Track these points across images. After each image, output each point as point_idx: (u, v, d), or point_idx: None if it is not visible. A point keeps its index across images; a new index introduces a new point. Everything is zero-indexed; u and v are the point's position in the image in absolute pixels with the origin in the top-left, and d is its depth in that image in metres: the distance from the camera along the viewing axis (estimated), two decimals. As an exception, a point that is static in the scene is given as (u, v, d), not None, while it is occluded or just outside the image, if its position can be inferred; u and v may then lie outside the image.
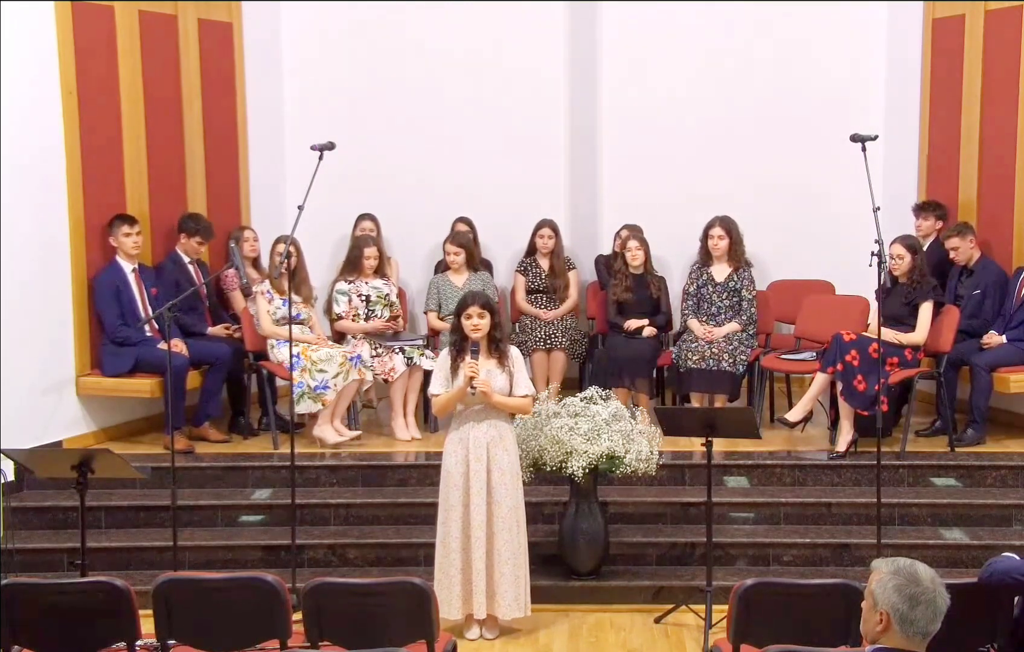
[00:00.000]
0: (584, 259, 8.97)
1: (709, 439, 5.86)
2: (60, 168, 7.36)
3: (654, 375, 8.09)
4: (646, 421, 6.45)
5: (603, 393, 6.40)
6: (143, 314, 7.44)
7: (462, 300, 5.94)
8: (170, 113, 8.12)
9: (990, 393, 7.33)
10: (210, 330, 7.89)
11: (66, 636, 4.52)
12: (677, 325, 8.37)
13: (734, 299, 7.99)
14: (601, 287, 8.70)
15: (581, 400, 6.33)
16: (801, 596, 4.57)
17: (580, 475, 6.09)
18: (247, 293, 7.95)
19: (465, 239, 8.33)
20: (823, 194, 8.77)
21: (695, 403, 7.77)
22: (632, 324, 8.00)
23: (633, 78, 8.98)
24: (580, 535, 6.38)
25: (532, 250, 8.65)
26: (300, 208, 6.15)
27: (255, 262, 8.26)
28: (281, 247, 7.29)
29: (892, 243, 7.30)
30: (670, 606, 6.17)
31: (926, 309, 7.28)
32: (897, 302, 7.31)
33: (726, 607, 4.59)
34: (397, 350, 7.68)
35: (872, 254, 5.96)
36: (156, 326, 7.36)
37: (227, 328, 7.94)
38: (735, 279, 8.00)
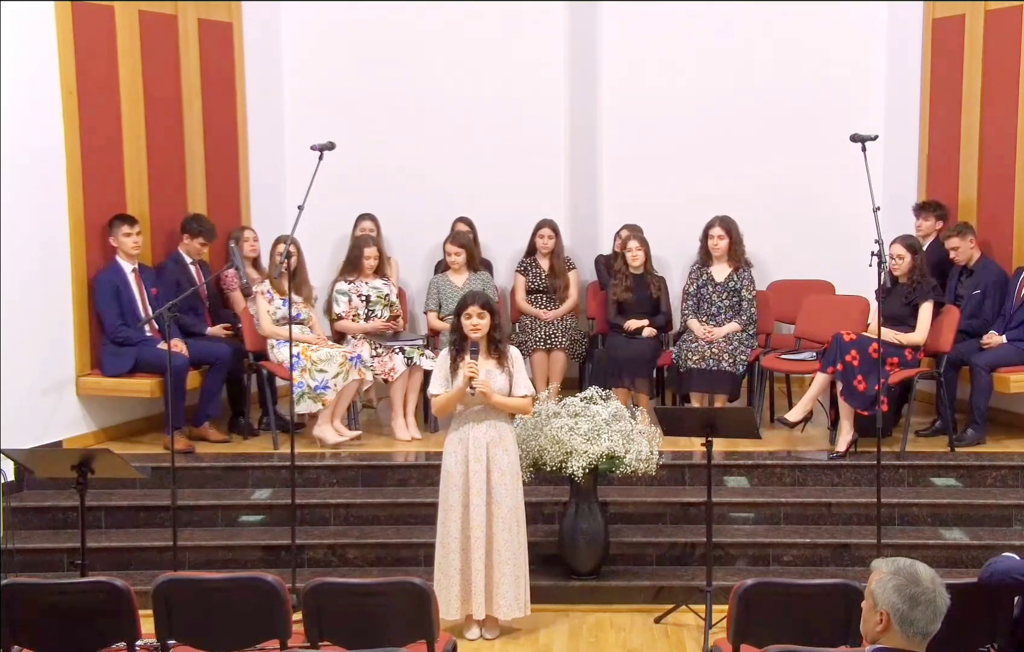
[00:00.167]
0: (584, 259, 8.97)
1: (709, 439, 5.86)
2: (60, 168, 7.36)
3: (654, 375, 8.09)
4: (646, 421, 6.45)
5: (603, 393, 6.40)
6: (143, 314, 7.44)
7: (462, 300, 5.94)
8: (170, 113, 8.12)
9: (990, 393, 7.33)
10: (209, 330, 7.89)
11: (66, 636, 4.52)
12: (677, 325, 8.37)
13: (734, 299, 7.99)
14: (601, 287, 8.70)
15: (581, 400, 6.33)
16: (801, 596, 4.57)
17: (580, 475, 6.09)
18: (247, 293, 7.95)
19: (465, 239, 8.34)
20: (823, 194, 8.77)
21: (695, 403, 7.77)
22: (632, 324, 8.00)
23: (633, 78, 8.98)
24: (580, 535, 6.38)
25: (532, 250, 8.65)
26: (300, 208, 6.15)
27: (255, 262, 8.26)
28: (281, 247, 7.29)
29: (892, 243, 7.30)
30: (670, 606, 6.17)
31: (926, 309, 7.28)
32: (897, 302, 7.31)
33: (726, 607, 4.59)
34: (397, 350, 7.68)
35: (872, 254, 5.95)
36: (156, 326, 7.36)
37: (227, 328, 7.94)
38: (735, 279, 8.00)
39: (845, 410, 7.10)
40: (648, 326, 8.01)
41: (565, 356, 8.30)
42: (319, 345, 7.51)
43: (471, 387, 5.74)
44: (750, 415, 6.42)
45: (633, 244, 8.11)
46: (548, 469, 6.17)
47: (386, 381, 7.66)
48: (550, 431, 6.11)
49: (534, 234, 8.61)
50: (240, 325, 7.85)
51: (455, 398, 5.84)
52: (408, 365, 7.64)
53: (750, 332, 7.95)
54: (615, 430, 6.14)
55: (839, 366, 7.04)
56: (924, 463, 7.11)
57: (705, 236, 8.07)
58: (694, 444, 6.61)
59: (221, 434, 7.71)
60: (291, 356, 6.64)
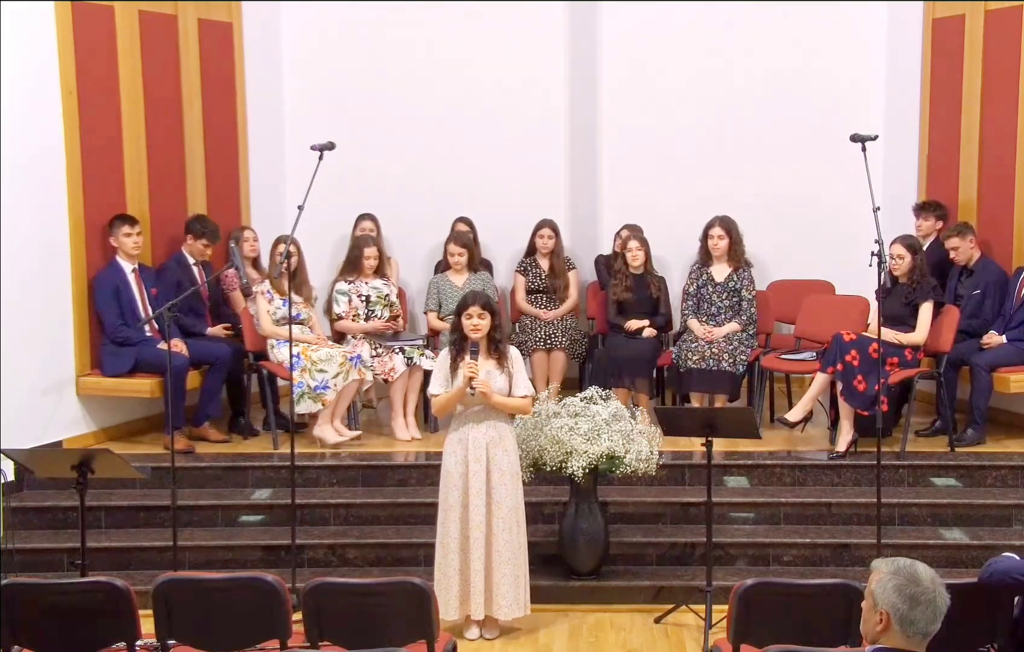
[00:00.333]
0: (584, 259, 8.97)
1: (709, 439, 5.86)
2: (60, 168, 7.36)
3: (654, 375, 8.08)
4: (646, 421, 6.45)
5: (603, 393, 6.40)
6: (143, 314, 7.44)
7: (463, 300, 5.94)
8: (170, 113, 8.12)
9: (990, 393, 7.33)
10: (209, 330, 7.89)
11: (66, 636, 4.52)
12: (677, 325, 8.37)
13: (734, 299, 7.99)
14: (601, 287, 8.70)
15: (581, 400, 6.33)
16: (801, 596, 4.57)
17: (580, 475, 6.09)
18: (247, 293, 7.95)
19: (467, 239, 8.34)
20: (823, 194, 8.77)
21: (695, 403, 7.77)
22: (633, 325, 8.00)
23: (633, 78, 8.98)
24: (580, 535, 6.38)
25: (532, 250, 8.65)
26: (300, 208, 6.15)
27: (255, 262, 8.26)
28: (281, 247, 7.29)
29: (892, 243, 7.30)
30: (670, 606, 6.17)
31: (926, 309, 7.28)
32: (897, 302, 7.31)
33: (726, 607, 4.59)
34: (397, 350, 7.68)
35: (872, 254, 5.95)
36: (156, 326, 7.36)
37: (227, 328, 7.94)
38: (735, 279, 7.99)
39: (845, 410, 7.10)
40: (648, 326, 8.01)
41: (565, 356, 8.30)
42: (319, 345, 7.51)
43: (471, 387, 5.74)
44: (750, 415, 6.42)
45: (633, 244, 8.10)
46: (548, 469, 6.17)
47: (386, 381, 7.66)
48: (550, 431, 6.11)
49: (534, 234, 8.61)
50: (240, 325, 7.85)
51: (455, 398, 5.84)
52: (408, 365, 7.64)
53: (750, 332, 7.95)
54: (615, 430, 6.14)
55: (839, 366, 7.04)
56: (924, 463, 7.11)
57: (705, 236, 8.07)
58: (694, 444, 6.61)
59: (221, 434, 7.71)
60: (291, 356, 6.64)
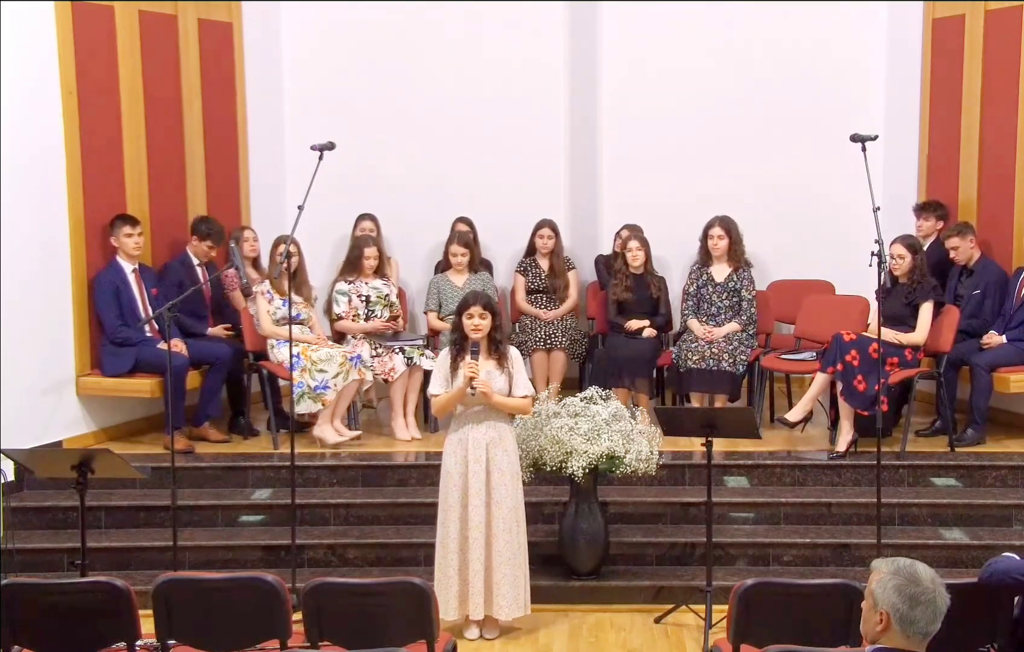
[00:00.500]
0: (584, 259, 8.97)
1: (709, 439, 5.86)
2: (60, 168, 7.36)
3: (654, 375, 8.08)
4: (646, 421, 6.45)
5: (603, 393, 6.40)
6: (143, 314, 7.44)
7: (464, 300, 5.94)
8: (170, 113, 8.12)
9: (990, 393, 7.33)
10: (210, 330, 7.89)
11: (66, 636, 4.52)
12: (677, 325, 8.37)
13: (734, 299, 7.99)
14: (601, 287, 8.70)
15: (581, 400, 6.33)
16: (801, 596, 4.57)
17: (580, 475, 6.09)
18: (247, 293, 7.95)
19: (469, 239, 8.34)
20: (823, 194, 8.77)
21: (695, 403, 7.77)
22: (633, 325, 8.00)
23: (633, 78, 8.98)
24: (580, 535, 6.38)
25: (532, 250, 8.65)
26: (300, 208, 6.15)
27: (255, 262, 8.26)
28: (281, 247, 7.28)
29: (892, 243, 7.30)
30: (670, 606, 6.17)
31: (926, 309, 7.28)
32: (897, 302, 7.31)
33: (726, 607, 4.59)
34: (397, 350, 7.68)
35: (872, 254, 5.95)
36: (156, 326, 7.36)
37: (227, 328, 7.94)
38: (735, 279, 7.99)
39: (845, 410, 7.10)
40: (648, 326, 8.01)
41: (565, 356, 8.30)
42: (319, 345, 7.51)
43: (472, 387, 5.74)
44: (750, 415, 6.42)
45: (633, 244, 8.10)
46: (548, 469, 6.17)
47: (386, 381, 7.66)
48: (550, 431, 6.11)
49: (534, 234, 8.61)
50: (240, 325, 7.85)
51: (455, 398, 5.84)
52: (408, 365, 7.64)
53: (750, 332, 7.95)
54: (615, 430, 6.14)
55: (839, 366, 7.04)
56: (924, 463, 7.11)
57: (705, 236, 8.07)
58: (694, 444, 6.61)
59: (221, 434, 7.71)
60: (291, 356, 6.64)
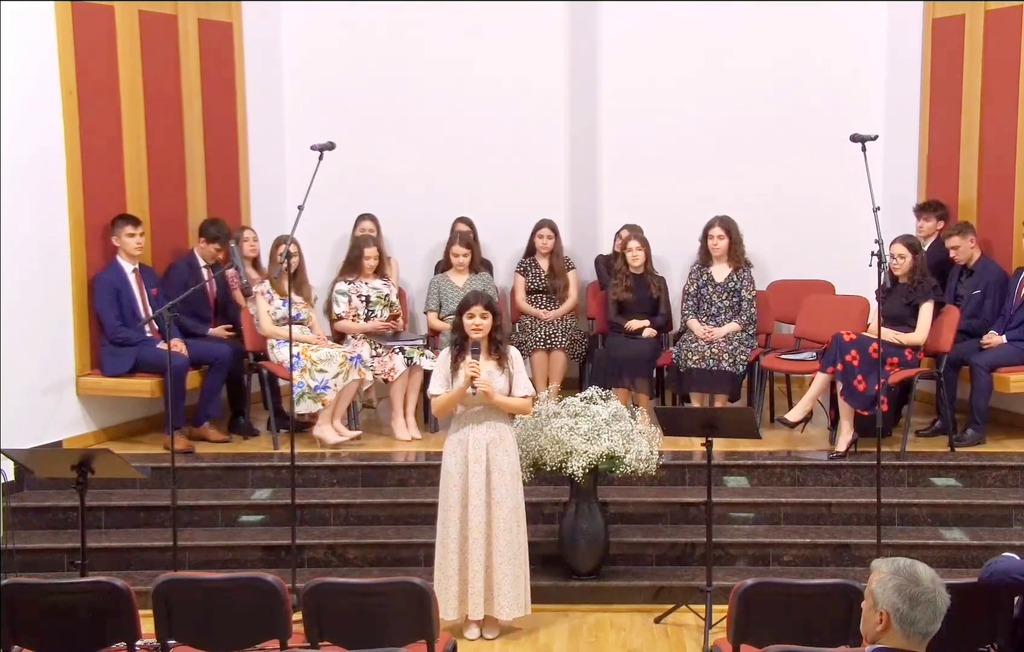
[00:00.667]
0: (584, 259, 8.97)
1: (709, 439, 5.86)
2: (60, 168, 7.36)
3: (654, 375, 8.08)
4: (646, 421, 6.45)
5: (603, 393, 6.40)
6: (143, 314, 7.44)
7: (465, 300, 5.94)
8: (170, 113, 8.12)
9: (990, 393, 7.32)
10: (211, 330, 7.89)
11: (66, 636, 4.52)
12: (677, 325, 8.37)
13: (734, 299, 7.99)
14: (601, 287, 8.70)
15: (581, 400, 6.33)
16: (801, 596, 4.57)
17: (580, 475, 6.09)
18: (247, 293, 7.95)
19: (470, 239, 8.35)
20: (823, 194, 8.77)
21: (695, 403, 7.77)
22: (633, 325, 8.00)
23: (633, 78, 8.98)
24: (580, 535, 6.38)
25: (532, 250, 8.65)
26: (300, 208, 6.15)
27: (255, 262, 8.26)
28: (281, 247, 7.28)
29: (893, 243, 7.30)
30: (670, 606, 6.17)
31: (926, 309, 7.28)
32: (897, 302, 7.31)
33: (726, 607, 4.59)
34: (397, 350, 7.68)
35: (872, 254, 5.95)
36: (156, 326, 7.36)
37: (228, 328, 7.94)
38: (735, 279, 7.99)
39: (845, 410, 7.10)
40: (648, 326, 8.01)
41: (565, 356, 8.30)
42: (319, 345, 7.51)
43: (473, 387, 5.74)
44: (750, 415, 6.42)
45: (633, 244, 8.10)
46: (548, 469, 6.17)
47: (386, 381, 7.66)
48: (550, 431, 6.11)
49: (534, 234, 8.61)
50: (241, 325, 7.85)
51: (455, 398, 5.84)
52: (408, 365, 7.64)
53: (750, 332, 7.95)
54: (615, 430, 6.14)
55: (839, 366, 7.04)
56: (924, 463, 7.11)
57: (705, 236, 8.07)
58: (694, 444, 6.61)
59: (221, 434, 7.71)
60: (291, 356, 6.64)
